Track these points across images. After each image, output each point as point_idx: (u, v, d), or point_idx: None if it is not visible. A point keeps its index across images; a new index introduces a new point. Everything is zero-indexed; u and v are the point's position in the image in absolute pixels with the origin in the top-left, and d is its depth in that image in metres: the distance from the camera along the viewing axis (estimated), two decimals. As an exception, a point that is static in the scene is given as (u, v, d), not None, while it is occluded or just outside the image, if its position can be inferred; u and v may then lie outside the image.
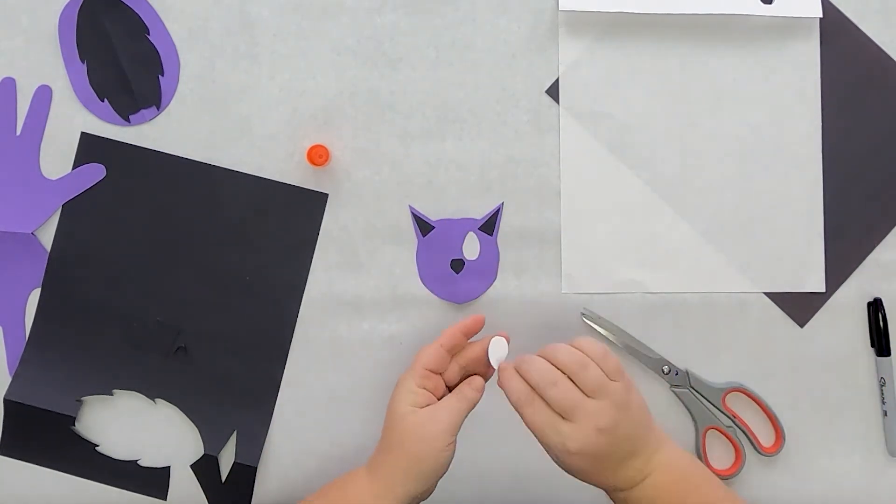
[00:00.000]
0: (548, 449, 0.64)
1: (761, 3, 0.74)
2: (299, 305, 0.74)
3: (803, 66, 0.75)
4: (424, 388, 0.66)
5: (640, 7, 0.73)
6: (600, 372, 0.63)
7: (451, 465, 0.75)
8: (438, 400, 0.66)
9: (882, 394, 0.75)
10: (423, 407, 0.65)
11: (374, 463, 0.66)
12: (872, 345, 0.75)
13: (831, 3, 0.75)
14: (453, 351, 0.67)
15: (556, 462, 0.65)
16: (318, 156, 0.73)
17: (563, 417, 0.62)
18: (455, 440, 0.65)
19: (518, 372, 0.63)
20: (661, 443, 0.64)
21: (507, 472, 0.75)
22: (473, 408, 0.66)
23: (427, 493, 0.66)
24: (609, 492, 0.65)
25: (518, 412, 0.63)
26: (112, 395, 0.75)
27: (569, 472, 0.65)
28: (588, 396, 0.62)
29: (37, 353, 0.74)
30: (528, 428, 0.64)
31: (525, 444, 0.75)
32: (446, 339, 0.67)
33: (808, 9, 0.74)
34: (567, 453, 0.62)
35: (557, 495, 0.75)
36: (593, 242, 0.75)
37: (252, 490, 0.74)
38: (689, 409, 0.74)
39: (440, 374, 0.67)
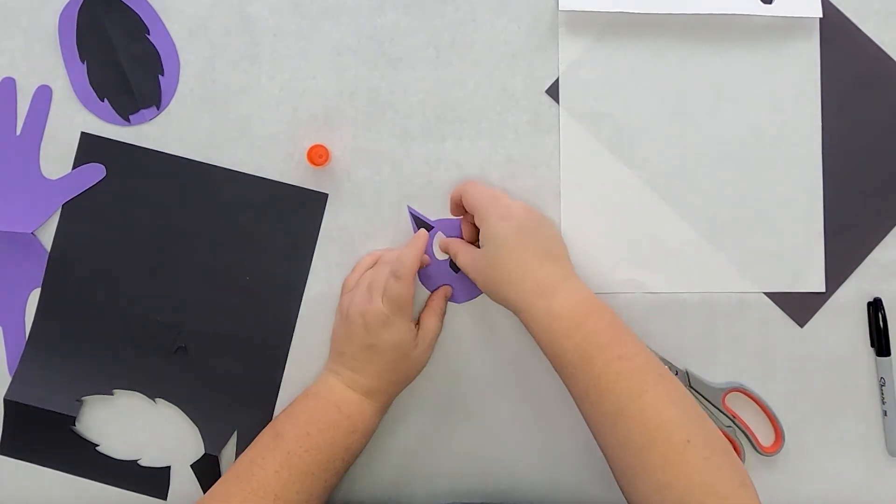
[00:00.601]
0: (466, 250, 0.71)
1: (761, 3, 0.74)
2: (299, 305, 0.74)
3: (803, 66, 0.75)
4: (411, 322, 0.70)
5: (640, 7, 0.73)
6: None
7: (448, 463, 0.75)
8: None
9: (882, 394, 0.75)
10: (413, 340, 0.70)
11: (367, 389, 0.69)
12: (872, 345, 0.75)
13: (831, 3, 0.75)
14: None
15: (479, 263, 0.69)
16: (318, 156, 0.73)
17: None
18: (399, 316, 0.69)
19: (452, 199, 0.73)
20: (571, 275, 0.69)
21: (507, 472, 0.75)
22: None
23: None
24: (525, 304, 0.67)
25: (465, 188, 0.71)
26: (112, 394, 0.75)
27: (491, 267, 0.68)
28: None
29: (37, 353, 0.74)
30: (473, 209, 0.70)
31: (524, 443, 0.75)
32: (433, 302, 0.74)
33: (808, 9, 0.74)
34: (497, 219, 0.68)
35: (557, 495, 0.75)
36: (593, 242, 0.75)
37: (252, 490, 0.74)
38: (689, 409, 0.74)
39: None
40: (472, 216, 0.70)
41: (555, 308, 0.66)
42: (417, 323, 0.72)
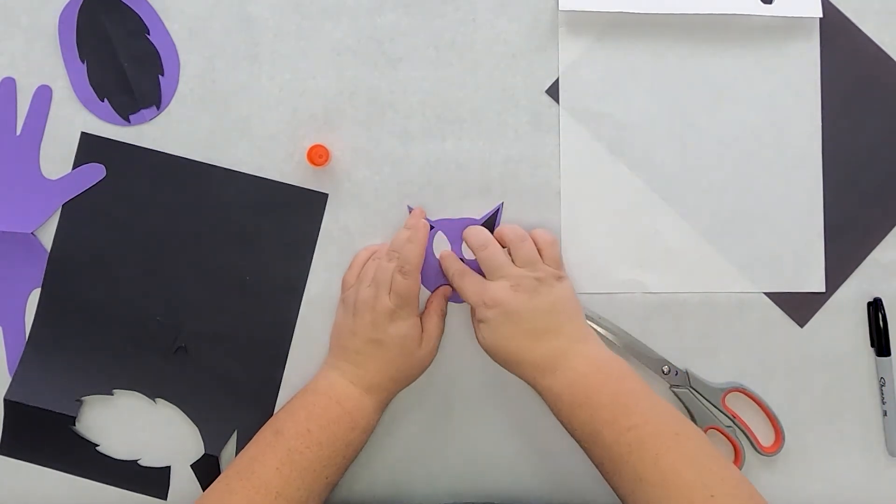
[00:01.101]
0: (474, 318, 0.71)
1: (761, 3, 0.74)
2: (299, 305, 0.74)
3: (803, 66, 0.75)
4: (418, 318, 0.71)
5: (640, 7, 0.73)
6: (535, 250, 0.71)
7: (448, 463, 0.75)
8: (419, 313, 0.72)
9: (882, 394, 0.75)
10: (420, 335, 0.71)
11: (369, 384, 0.69)
12: (872, 345, 0.75)
13: (831, 3, 0.75)
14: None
15: (481, 343, 0.70)
16: (318, 156, 0.73)
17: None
18: (402, 311, 0.70)
19: (464, 238, 0.73)
20: (586, 337, 0.69)
21: (507, 472, 0.75)
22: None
23: None
24: (532, 380, 0.69)
25: (456, 286, 0.72)
26: (112, 395, 0.75)
27: (491, 349, 0.70)
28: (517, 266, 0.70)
29: (37, 353, 0.74)
30: (464, 297, 0.71)
31: (524, 443, 0.75)
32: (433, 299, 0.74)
33: (808, 9, 0.74)
34: (484, 307, 0.69)
35: (557, 495, 0.75)
36: (593, 242, 0.75)
37: (252, 490, 0.74)
38: (688, 409, 0.74)
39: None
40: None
41: (555, 387, 0.67)
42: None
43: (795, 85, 0.75)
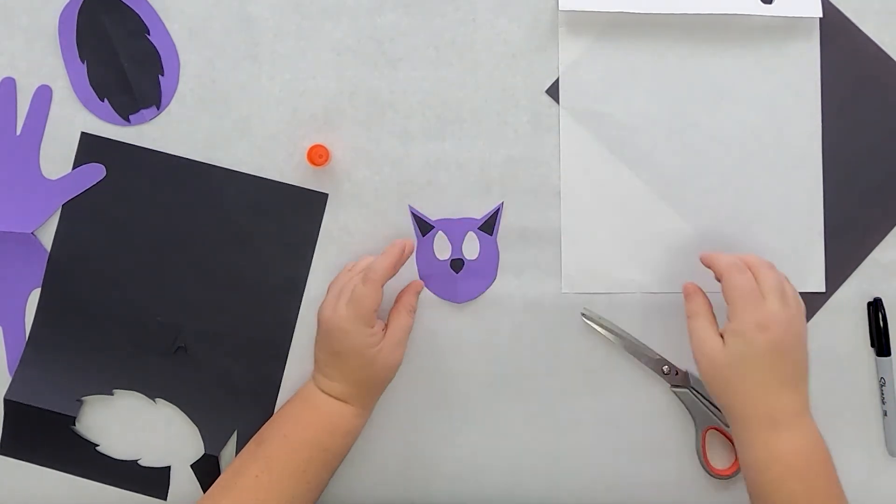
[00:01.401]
0: (735, 322, 0.65)
1: (761, 3, 0.74)
2: (299, 305, 0.74)
3: (803, 66, 0.75)
4: (373, 328, 0.68)
5: (640, 7, 0.73)
6: (781, 278, 0.67)
7: (448, 464, 0.75)
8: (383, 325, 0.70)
9: (882, 394, 0.75)
10: (381, 340, 0.69)
11: (340, 393, 0.69)
12: (872, 345, 0.75)
13: (831, 3, 0.75)
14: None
15: (712, 356, 0.65)
16: (318, 156, 0.73)
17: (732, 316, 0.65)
18: (375, 322, 0.69)
19: (707, 260, 0.69)
20: (804, 410, 0.65)
21: (507, 472, 0.75)
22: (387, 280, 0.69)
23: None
24: (750, 428, 0.64)
25: (727, 275, 0.66)
26: (112, 395, 0.75)
27: (726, 371, 0.65)
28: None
29: (37, 353, 0.74)
30: (728, 291, 0.66)
31: (524, 444, 0.75)
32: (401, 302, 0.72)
33: (808, 9, 0.74)
34: (756, 328, 0.63)
35: (557, 495, 0.75)
36: (593, 242, 0.75)
37: (252, 490, 0.74)
38: (689, 409, 0.74)
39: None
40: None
41: (777, 447, 0.63)
42: (387, 326, 0.71)
43: (795, 85, 0.75)
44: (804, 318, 0.67)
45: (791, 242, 0.75)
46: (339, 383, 0.69)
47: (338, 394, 0.69)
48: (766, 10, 0.74)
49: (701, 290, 0.70)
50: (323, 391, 0.69)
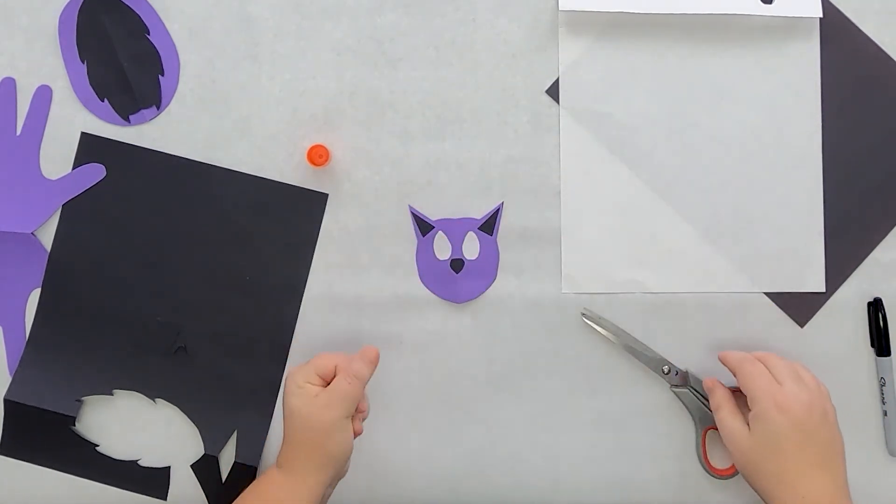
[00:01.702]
0: (756, 407, 0.66)
1: (761, 3, 0.74)
2: (299, 305, 0.74)
3: (803, 66, 0.75)
4: (309, 383, 0.67)
5: (640, 7, 0.73)
6: (793, 364, 0.69)
7: (448, 463, 0.75)
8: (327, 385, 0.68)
9: (882, 394, 0.75)
10: (314, 397, 0.66)
11: (281, 458, 0.68)
12: (872, 345, 0.75)
13: (831, 3, 0.75)
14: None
15: (738, 441, 0.67)
16: (318, 156, 0.73)
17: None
18: (351, 421, 0.67)
19: (722, 358, 0.71)
20: (842, 492, 0.64)
21: (508, 472, 0.75)
22: (366, 383, 0.68)
23: (339, 475, 0.69)
24: None
25: (740, 366, 0.68)
26: (112, 395, 0.75)
27: (754, 454, 0.66)
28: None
29: (37, 353, 0.74)
30: (744, 379, 0.68)
31: (525, 444, 0.75)
32: (344, 365, 0.68)
33: (808, 9, 0.74)
34: (775, 408, 0.65)
35: (557, 495, 0.75)
36: (593, 242, 0.75)
37: (252, 490, 0.74)
38: (689, 409, 0.74)
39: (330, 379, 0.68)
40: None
41: None
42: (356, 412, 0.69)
43: (795, 85, 0.75)
44: (827, 400, 0.68)
45: (791, 242, 0.75)
46: (287, 453, 0.68)
47: (286, 465, 0.67)
48: (766, 10, 0.74)
49: (720, 383, 0.72)
50: (277, 464, 0.68)
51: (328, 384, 0.67)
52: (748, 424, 0.67)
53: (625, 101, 0.75)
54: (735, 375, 0.70)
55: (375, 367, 0.68)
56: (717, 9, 0.73)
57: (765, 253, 0.75)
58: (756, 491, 0.67)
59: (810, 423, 0.65)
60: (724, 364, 0.71)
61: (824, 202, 0.75)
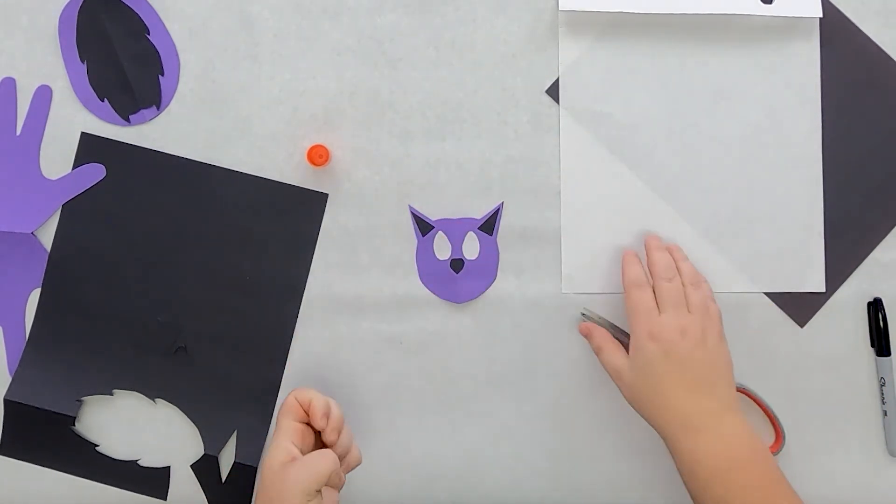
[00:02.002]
0: (633, 338, 0.68)
1: (761, 3, 0.74)
2: (299, 305, 0.74)
3: (803, 66, 0.75)
4: (293, 444, 0.64)
5: (640, 7, 0.73)
6: (707, 297, 0.70)
7: (448, 463, 0.75)
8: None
9: (882, 394, 0.75)
10: (288, 462, 0.63)
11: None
12: (872, 345, 0.75)
13: (831, 3, 0.75)
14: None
15: (623, 374, 0.69)
16: (318, 156, 0.73)
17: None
18: (321, 495, 0.63)
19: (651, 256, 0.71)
20: (737, 407, 0.66)
21: (508, 472, 0.75)
22: (339, 464, 0.64)
23: (337, 486, 0.66)
24: (671, 435, 0.66)
25: (627, 292, 0.70)
26: (112, 395, 0.75)
27: (636, 386, 0.68)
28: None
29: (37, 353, 0.74)
30: (628, 310, 0.69)
31: (525, 444, 0.75)
32: (303, 398, 0.66)
33: (808, 9, 0.74)
34: (648, 338, 0.67)
35: (558, 496, 0.75)
36: (593, 242, 0.75)
37: (252, 490, 0.74)
38: (688, 409, 0.75)
39: (317, 430, 0.66)
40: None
41: (698, 450, 0.64)
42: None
43: (795, 85, 0.75)
44: (713, 323, 0.68)
45: (791, 242, 0.75)
46: None
47: None
48: (766, 10, 0.74)
49: (595, 326, 0.72)
50: None
51: (308, 425, 0.66)
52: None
53: (625, 101, 0.75)
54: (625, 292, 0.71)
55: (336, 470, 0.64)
56: (717, 9, 0.73)
57: (765, 253, 0.75)
58: (646, 421, 0.68)
59: (682, 348, 0.66)
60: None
61: (824, 202, 0.75)
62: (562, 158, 0.75)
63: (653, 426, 0.68)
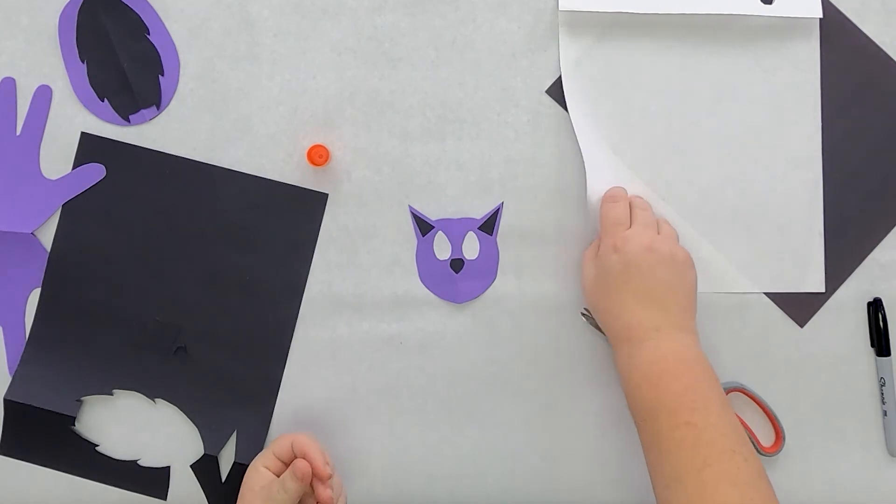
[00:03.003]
0: (592, 251, 0.71)
1: (761, 3, 0.74)
2: (299, 305, 0.74)
3: (803, 66, 0.75)
4: (267, 468, 0.69)
5: (640, 7, 0.73)
6: (657, 219, 0.72)
7: (448, 463, 0.75)
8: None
9: (882, 394, 0.75)
10: (260, 487, 0.68)
11: None
12: (872, 345, 0.75)
13: (831, 3, 0.75)
14: (299, 454, 0.68)
15: (585, 278, 0.71)
16: (318, 156, 0.73)
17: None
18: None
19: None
20: (686, 329, 0.67)
21: (507, 472, 0.75)
22: (298, 497, 0.67)
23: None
24: (614, 341, 0.69)
25: (602, 205, 0.71)
26: (112, 395, 0.75)
27: (592, 290, 0.70)
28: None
29: (37, 353, 0.74)
30: (600, 223, 0.71)
31: (525, 444, 0.75)
32: (298, 444, 0.68)
33: (808, 9, 0.74)
34: (612, 248, 0.68)
35: (558, 496, 0.75)
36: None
37: (252, 490, 0.74)
38: (688, 409, 0.75)
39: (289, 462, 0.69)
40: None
41: (634, 357, 0.66)
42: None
43: (795, 85, 0.75)
44: (674, 245, 0.69)
45: (791, 242, 0.75)
46: None
47: None
48: (767, 10, 0.74)
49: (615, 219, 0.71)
50: None
51: (285, 465, 0.69)
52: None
53: (625, 101, 0.75)
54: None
55: (304, 484, 0.66)
56: (717, 9, 0.73)
57: (765, 253, 0.75)
58: (599, 324, 0.71)
59: (639, 262, 0.67)
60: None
61: (824, 202, 0.75)
62: (562, 158, 0.75)
63: (603, 330, 0.71)
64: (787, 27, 0.75)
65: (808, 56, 0.75)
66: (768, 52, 0.75)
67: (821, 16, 0.74)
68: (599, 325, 0.71)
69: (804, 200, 0.75)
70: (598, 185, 0.74)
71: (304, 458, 0.67)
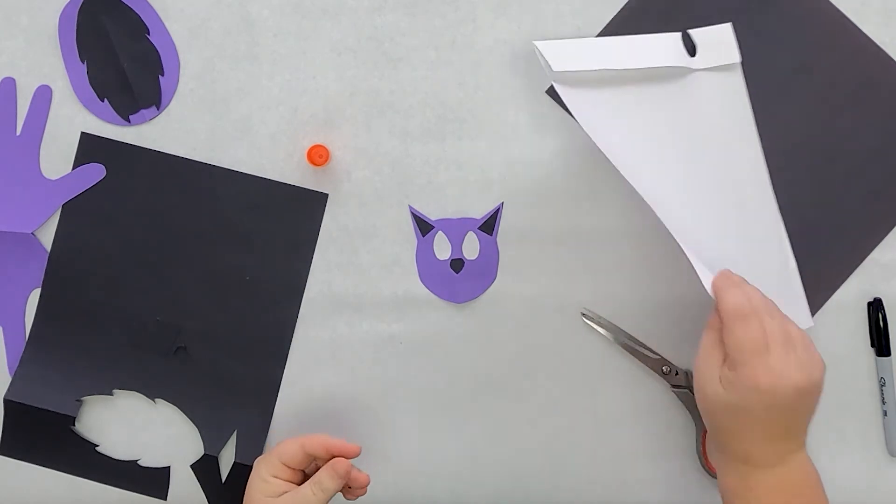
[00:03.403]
0: (736, 377, 0.61)
1: (688, 56, 0.73)
2: (299, 305, 0.74)
3: (738, 104, 0.74)
4: (277, 477, 0.67)
5: (613, 64, 0.71)
6: (809, 344, 0.63)
7: (448, 464, 0.75)
8: (298, 485, 0.67)
9: (882, 394, 0.75)
10: (277, 496, 0.66)
11: None
12: (872, 345, 0.75)
13: (831, 3, 0.75)
14: (314, 454, 0.68)
15: (710, 392, 0.62)
16: (318, 156, 0.73)
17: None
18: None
19: (716, 291, 0.64)
20: (791, 452, 0.63)
21: (507, 473, 0.75)
22: (333, 496, 0.67)
23: None
24: (733, 465, 0.63)
25: (731, 323, 0.61)
26: (112, 395, 0.75)
27: (718, 407, 0.62)
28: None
29: (37, 353, 0.74)
30: (733, 341, 0.61)
31: (525, 444, 0.75)
32: (310, 444, 0.68)
33: (727, 56, 0.72)
34: (754, 390, 0.60)
35: (558, 496, 0.75)
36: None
37: (252, 490, 0.74)
38: (689, 409, 0.74)
39: (299, 468, 0.69)
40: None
41: (761, 484, 0.62)
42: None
43: (729, 127, 0.74)
44: (816, 367, 0.63)
45: (769, 286, 0.70)
46: None
47: None
48: (692, 62, 0.73)
49: (733, 286, 0.64)
50: None
51: (294, 471, 0.68)
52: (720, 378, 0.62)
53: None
54: (722, 322, 0.63)
55: (344, 481, 0.66)
56: (656, 63, 0.71)
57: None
58: (709, 430, 0.65)
59: (786, 400, 0.60)
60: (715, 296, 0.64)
61: (824, 202, 0.75)
62: (562, 158, 0.74)
63: (711, 438, 0.66)
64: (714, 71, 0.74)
65: (736, 98, 0.73)
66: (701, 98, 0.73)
67: (739, 60, 0.73)
68: (705, 422, 0.65)
69: (768, 240, 0.73)
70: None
71: (338, 457, 0.67)
